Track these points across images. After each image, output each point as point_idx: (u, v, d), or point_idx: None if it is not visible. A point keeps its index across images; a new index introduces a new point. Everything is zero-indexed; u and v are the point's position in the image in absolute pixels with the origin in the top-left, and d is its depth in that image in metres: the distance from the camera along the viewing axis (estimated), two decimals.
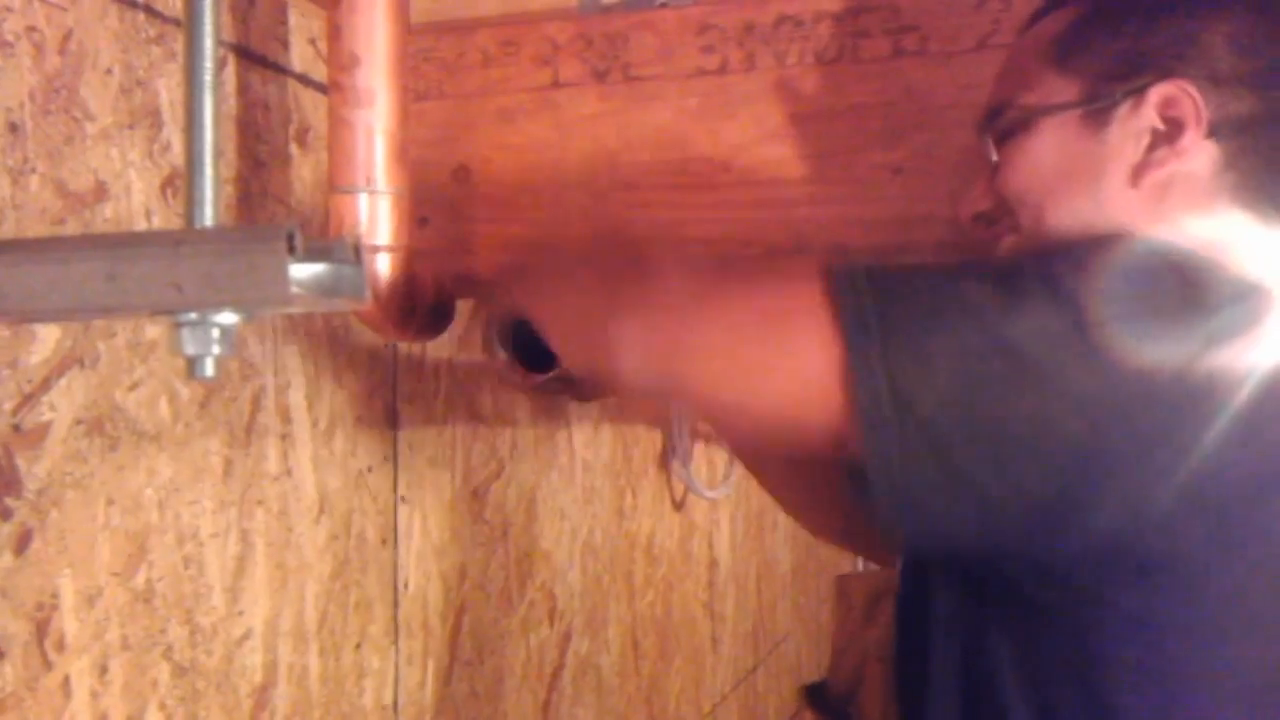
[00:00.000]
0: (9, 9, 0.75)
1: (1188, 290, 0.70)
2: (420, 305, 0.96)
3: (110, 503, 0.83)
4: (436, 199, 1.05)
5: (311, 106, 1.05)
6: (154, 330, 0.86)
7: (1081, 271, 0.70)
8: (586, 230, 1.02)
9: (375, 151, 0.90)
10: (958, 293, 0.71)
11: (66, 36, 0.80)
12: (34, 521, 0.77)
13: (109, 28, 0.84)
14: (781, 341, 0.73)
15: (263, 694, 0.99)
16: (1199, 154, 0.78)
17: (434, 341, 1.25)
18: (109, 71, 0.84)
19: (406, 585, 1.22)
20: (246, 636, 0.97)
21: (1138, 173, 0.80)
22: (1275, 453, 0.70)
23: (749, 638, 2.77)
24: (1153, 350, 0.67)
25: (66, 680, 0.79)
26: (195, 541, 0.91)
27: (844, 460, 1.11)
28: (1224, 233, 0.77)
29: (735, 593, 2.62)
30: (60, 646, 0.79)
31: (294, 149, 1.04)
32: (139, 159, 0.86)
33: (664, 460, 2.14)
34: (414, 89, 1.02)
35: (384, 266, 0.91)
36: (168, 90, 0.89)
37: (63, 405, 0.79)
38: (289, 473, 1.02)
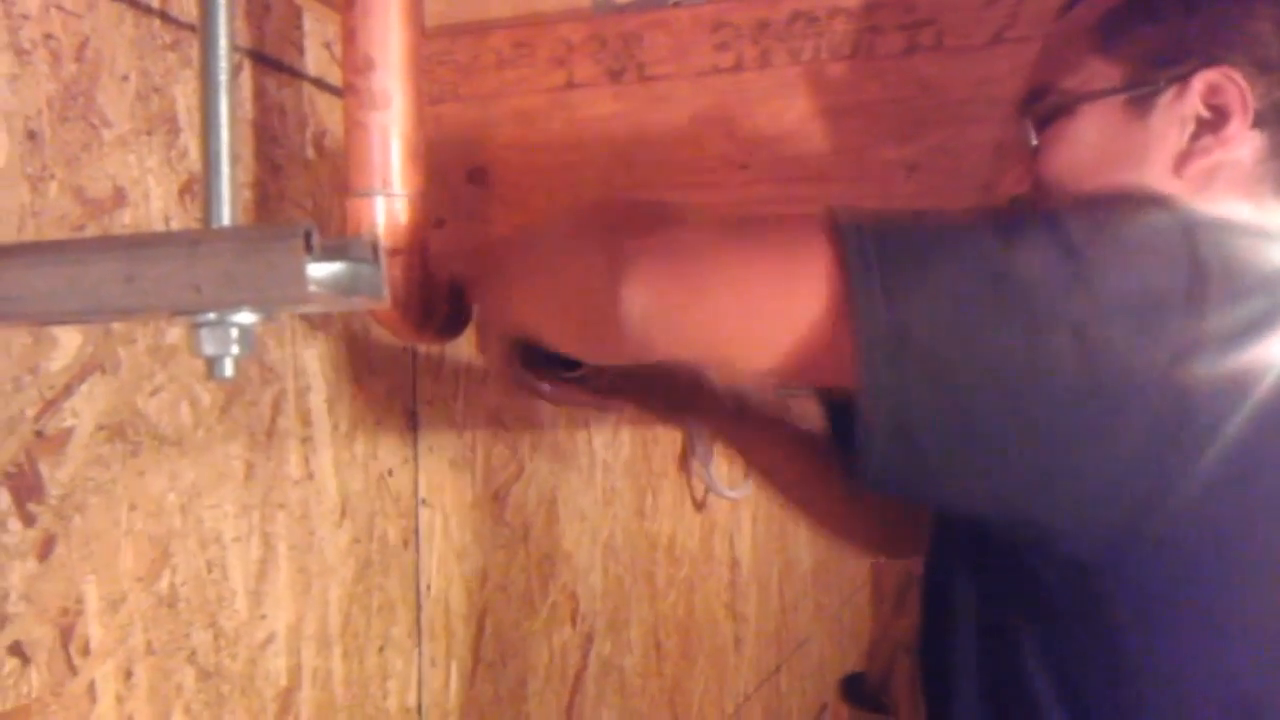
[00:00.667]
0: (25, 16, 0.76)
1: (1201, 269, 0.67)
2: (438, 308, 0.96)
3: (133, 508, 0.83)
4: (453, 201, 1.05)
5: (327, 110, 1.06)
6: (174, 335, 0.87)
7: (1090, 220, 0.69)
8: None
9: (391, 154, 0.90)
10: (959, 228, 0.71)
11: (83, 43, 0.80)
12: (57, 527, 0.77)
13: (125, 34, 0.84)
14: (788, 278, 0.71)
15: (287, 697, 0.99)
16: (1244, 143, 0.78)
17: (452, 344, 1.25)
18: (125, 78, 0.84)
19: (429, 588, 1.22)
20: (270, 640, 0.97)
21: (1182, 160, 0.79)
22: None
23: (772, 638, 2.76)
24: (1148, 320, 0.65)
25: (92, 685, 0.80)
26: (218, 546, 0.91)
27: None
28: (1264, 221, 0.76)
29: (757, 593, 2.61)
30: (85, 651, 0.79)
31: (310, 153, 1.04)
32: (157, 165, 0.86)
33: (684, 460, 2.14)
34: (429, 92, 1.03)
35: (401, 269, 0.91)
36: (184, 96, 0.89)
37: (85, 411, 0.79)
38: (310, 476, 1.03)
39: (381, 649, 1.13)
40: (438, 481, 1.25)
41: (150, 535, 0.85)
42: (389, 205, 0.90)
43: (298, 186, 1.02)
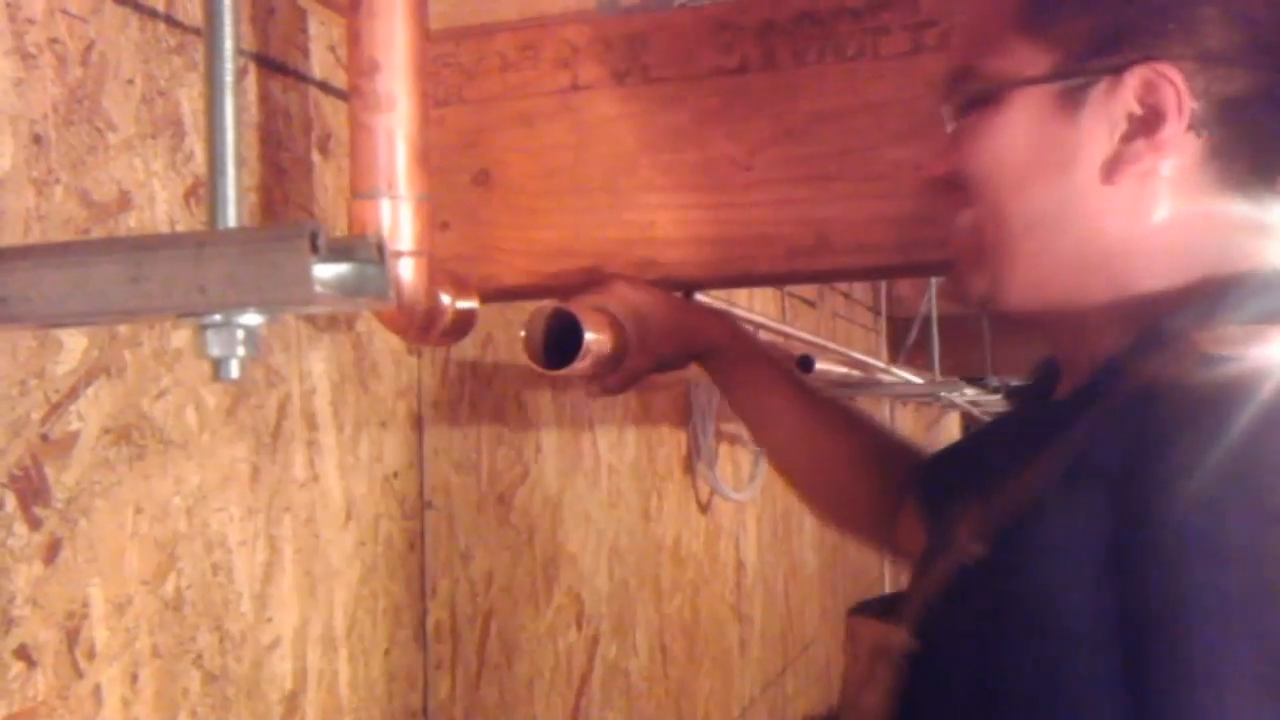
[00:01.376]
0: (31, 21, 0.76)
1: None
2: (443, 310, 0.97)
3: (138, 511, 0.83)
4: (458, 203, 1.05)
5: (332, 113, 1.06)
6: (179, 339, 0.87)
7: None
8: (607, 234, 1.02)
9: (396, 156, 0.90)
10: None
11: (88, 48, 0.81)
12: (63, 531, 0.77)
13: (130, 38, 0.84)
14: None
15: (293, 701, 0.99)
16: (1181, 147, 0.71)
17: (457, 346, 1.25)
18: (131, 82, 0.84)
19: (434, 590, 1.22)
20: (276, 643, 0.97)
21: (1111, 167, 0.72)
22: None
23: (777, 641, 2.76)
24: None
25: (98, 689, 0.80)
26: (223, 549, 0.91)
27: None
28: (1218, 227, 0.71)
29: (763, 595, 2.61)
30: (91, 655, 0.79)
31: (316, 156, 1.04)
32: (162, 169, 0.86)
33: (689, 462, 2.14)
34: (434, 94, 1.03)
35: (406, 271, 0.91)
36: (189, 100, 0.89)
37: (90, 414, 0.79)
38: (316, 479, 1.03)
39: (387, 652, 1.13)
40: (443, 484, 1.25)
41: (156, 538, 0.85)
42: (394, 207, 0.90)
43: (303, 190, 1.02)
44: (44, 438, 0.76)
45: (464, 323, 1.00)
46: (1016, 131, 0.74)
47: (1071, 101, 0.73)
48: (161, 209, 0.86)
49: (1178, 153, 0.71)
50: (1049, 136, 0.74)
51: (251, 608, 0.94)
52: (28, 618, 0.74)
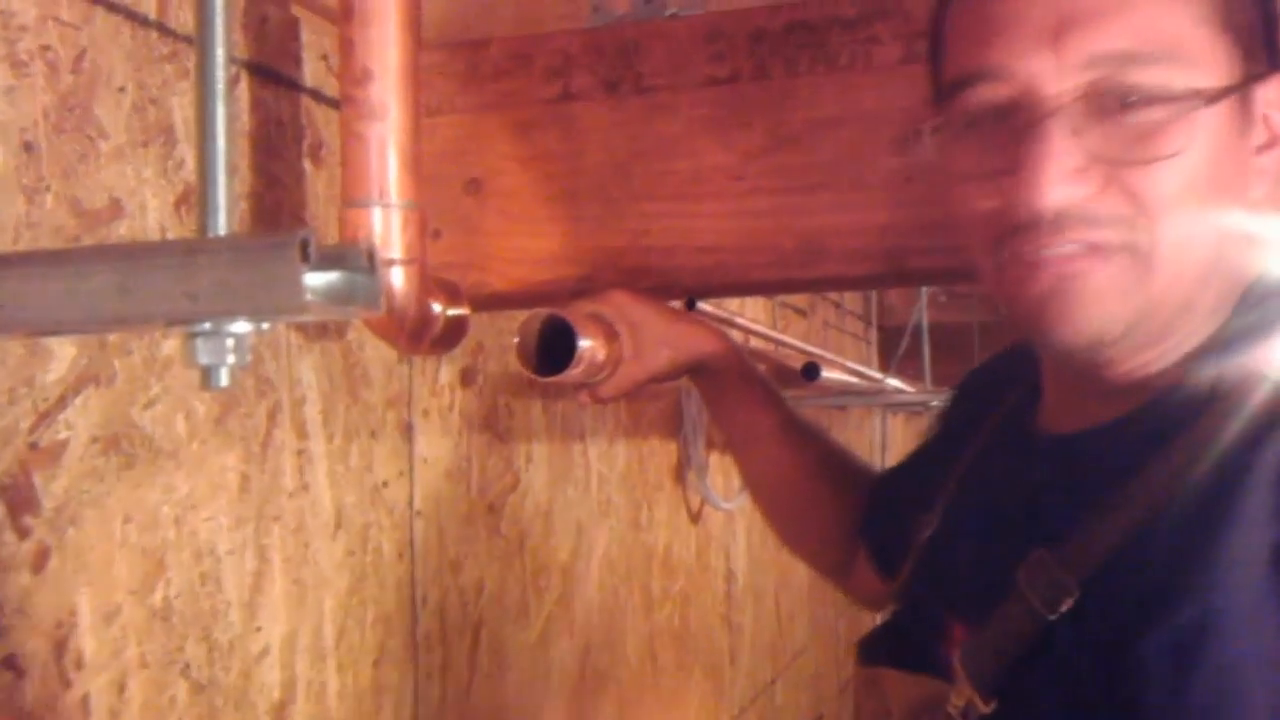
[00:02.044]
0: (23, 28, 0.76)
1: None
2: (434, 319, 0.96)
3: (127, 520, 0.83)
4: (449, 212, 1.05)
5: (324, 122, 1.06)
6: (169, 347, 0.86)
7: None
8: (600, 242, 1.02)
9: (388, 165, 0.90)
10: None
11: (80, 55, 0.80)
12: (51, 540, 0.77)
13: (122, 46, 0.84)
14: None
15: (281, 711, 0.98)
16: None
17: (448, 354, 1.24)
18: (122, 89, 0.84)
19: (424, 600, 1.21)
20: (264, 653, 0.96)
21: (1249, 181, 0.67)
22: None
23: (767, 650, 2.76)
24: None
25: (85, 699, 0.79)
26: (212, 558, 0.91)
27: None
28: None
29: (753, 605, 2.61)
30: (79, 664, 0.79)
31: (307, 164, 1.04)
32: (153, 177, 0.86)
33: (680, 472, 2.14)
34: (426, 103, 1.03)
35: (398, 280, 0.91)
36: (181, 108, 0.89)
37: (79, 423, 0.79)
38: (305, 488, 1.02)
39: (376, 662, 1.12)
40: (433, 493, 1.24)
41: (144, 548, 0.84)
42: (385, 216, 0.90)
43: (295, 198, 1.02)
44: (33, 446, 0.76)
45: (455, 331, 1.00)
46: (1211, 142, 0.64)
47: (1243, 107, 0.66)
48: (152, 217, 0.86)
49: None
50: (1232, 149, 0.66)
51: (240, 617, 0.94)
52: (15, 627, 0.74)
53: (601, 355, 0.96)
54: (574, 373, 0.94)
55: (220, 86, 0.65)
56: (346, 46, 0.90)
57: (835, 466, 1.11)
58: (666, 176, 1.00)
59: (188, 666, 0.88)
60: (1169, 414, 0.67)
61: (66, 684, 0.78)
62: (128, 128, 0.84)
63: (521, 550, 1.45)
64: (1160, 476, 0.64)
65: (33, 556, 0.75)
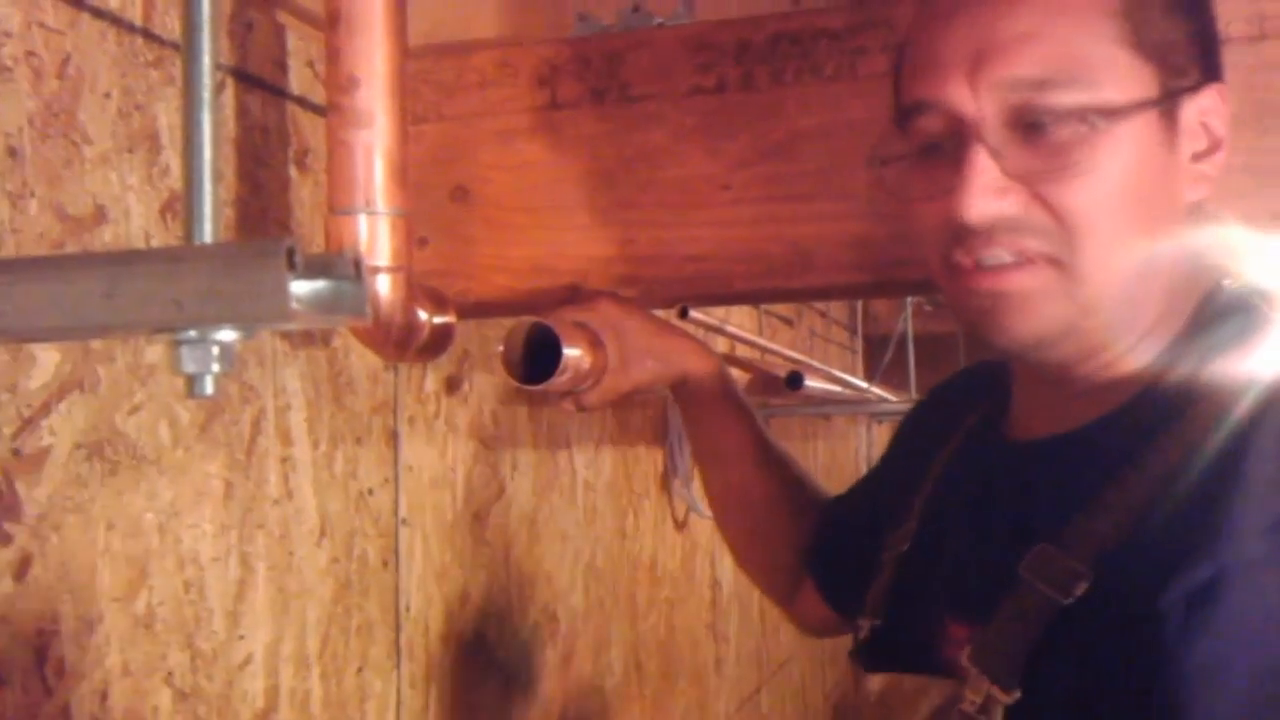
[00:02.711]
0: (8, 34, 0.76)
1: None
2: (420, 326, 0.96)
3: (110, 527, 0.83)
4: (435, 220, 1.05)
5: (310, 129, 1.05)
6: (153, 354, 0.86)
7: None
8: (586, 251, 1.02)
9: (374, 172, 0.90)
10: None
11: (65, 61, 0.80)
12: (34, 547, 0.76)
13: (107, 52, 0.84)
14: None
15: (264, 719, 0.98)
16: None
17: (434, 362, 1.24)
18: (107, 95, 0.84)
19: (408, 608, 1.21)
20: (248, 661, 0.96)
21: (1181, 189, 0.71)
22: None
23: (752, 659, 2.76)
24: None
25: (67, 707, 0.79)
26: (196, 566, 0.91)
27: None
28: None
29: (738, 613, 2.61)
30: (60, 673, 0.78)
31: (293, 171, 1.04)
32: (138, 183, 0.86)
33: (665, 480, 2.14)
34: (412, 111, 1.03)
35: (384, 287, 0.91)
36: (166, 114, 0.89)
37: (63, 429, 0.79)
38: (290, 495, 1.02)
39: (360, 670, 1.12)
40: (418, 501, 1.24)
41: (128, 555, 0.84)
42: (371, 223, 0.90)
43: (280, 205, 1.02)
44: (15, 453, 0.75)
45: (441, 339, 1.00)
46: (1129, 156, 0.69)
47: (1169, 120, 0.70)
48: (137, 223, 0.86)
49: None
50: (1155, 159, 0.70)
51: (223, 625, 0.93)
52: None
53: (586, 364, 0.97)
54: (559, 381, 0.94)
55: (206, 93, 0.65)
56: (333, 54, 0.90)
57: (796, 495, 1.13)
58: (653, 186, 1.01)
59: (171, 674, 0.88)
60: (1152, 411, 0.71)
61: (48, 692, 0.77)
62: (113, 134, 0.84)
63: (507, 558, 1.45)
64: (1156, 465, 0.69)
65: (15, 564, 0.75)
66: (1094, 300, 0.71)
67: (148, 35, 0.87)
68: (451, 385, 1.32)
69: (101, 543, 0.82)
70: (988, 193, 0.69)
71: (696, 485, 2.19)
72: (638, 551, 1.97)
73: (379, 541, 1.16)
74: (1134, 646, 0.65)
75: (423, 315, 0.96)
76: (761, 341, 2.36)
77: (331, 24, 0.89)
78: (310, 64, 1.06)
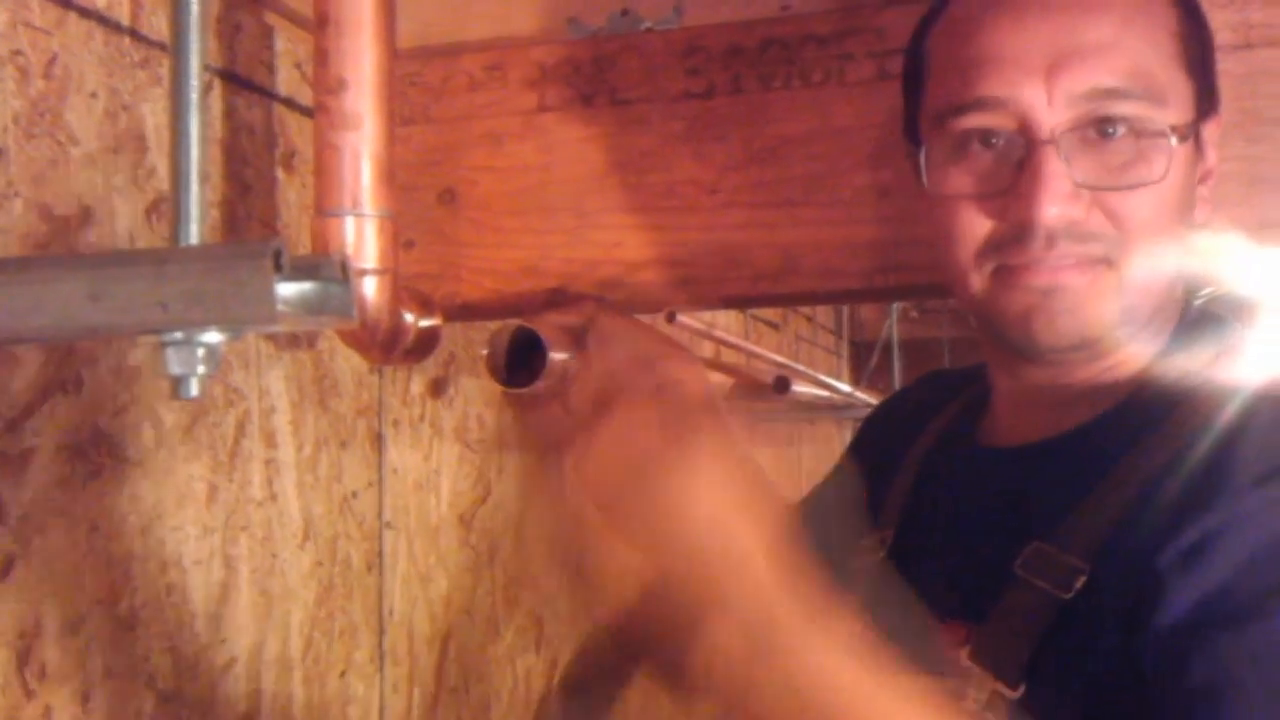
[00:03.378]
0: None
1: None
2: (406, 329, 0.96)
3: (93, 529, 0.82)
4: (423, 222, 1.05)
5: (297, 130, 1.05)
6: (138, 356, 0.86)
7: None
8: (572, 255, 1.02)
9: (361, 174, 0.89)
10: None
11: (51, 61, 0.80)
12: (16, 548, 0.76)
13: (94, 52, 0.83)
14: None
15: None
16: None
17: (420, 364, 1.24)
18: (94, 95, 0.83)
19: (392, 612, 1.21)
20: (230, 664, 0.96)
21: (1194, 209, 0.75)
22: None
23: None
24: None
25: (48, 710, 0.78)
26: (179, 568, 0.90)
27: None
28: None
29: None
30: (42, 675, 0.78)
31: (280, 173, 1.03)
32: (124, 183, 0.86)
33: None
34: (400, 113, 1.02)
35: (370, 289, 0.91)
36: (153, 115, 0.88)
37: (46, 431, 0.78)
38: (274, 498, 1.01)
39: (343, 674, 1.12)
40: (402, 504, 1.24)
41: (110, 557, 0.84)
42: (359, 225, 0.89)
43: (267, 206, 1.02)
44: None
45: (427, 341, 1.00)
46: (1181, 171, 0.72)
47: (1196, 141, 0.74)
48: (122, 224, 0.85)
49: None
50: (1189, 177, 0.73)
51: (206, 628, 0.93)
52: None
53: (572, 368, 0.96)
54: (544, 385, 0.94)
55: (194, 94, 0.64)
56: (321, 56, 0.89)
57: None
58: (641, 189, 1.01)
59: (153, 677, 0.87)
60: (1144, 413, 0.73)
61: (29, 694, 0.77)
62: (99, 134, 0.84)
63: (492, 562, 1.45)
64: (1148, 462, 0.70)
65: None
66: (1135, 306, 0.73)
67: (135, 35, 0.87)
68: (437, 388, 1.31)
69: (85, 544, 0.81)
70: (1060, 197, 0.70)
71: None
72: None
73: (363, 545, 1.16)
74: (1134, 615, 0.66)
75: (409, 318, 0.96)
76: (748, 346, 2.36)
77: (320, 26, 0.89)
78: (298, 65, 1.06)
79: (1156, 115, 0.70)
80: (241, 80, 0.99)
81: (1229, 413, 0.69)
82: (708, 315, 2.19)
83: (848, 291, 0.98)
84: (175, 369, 0.50)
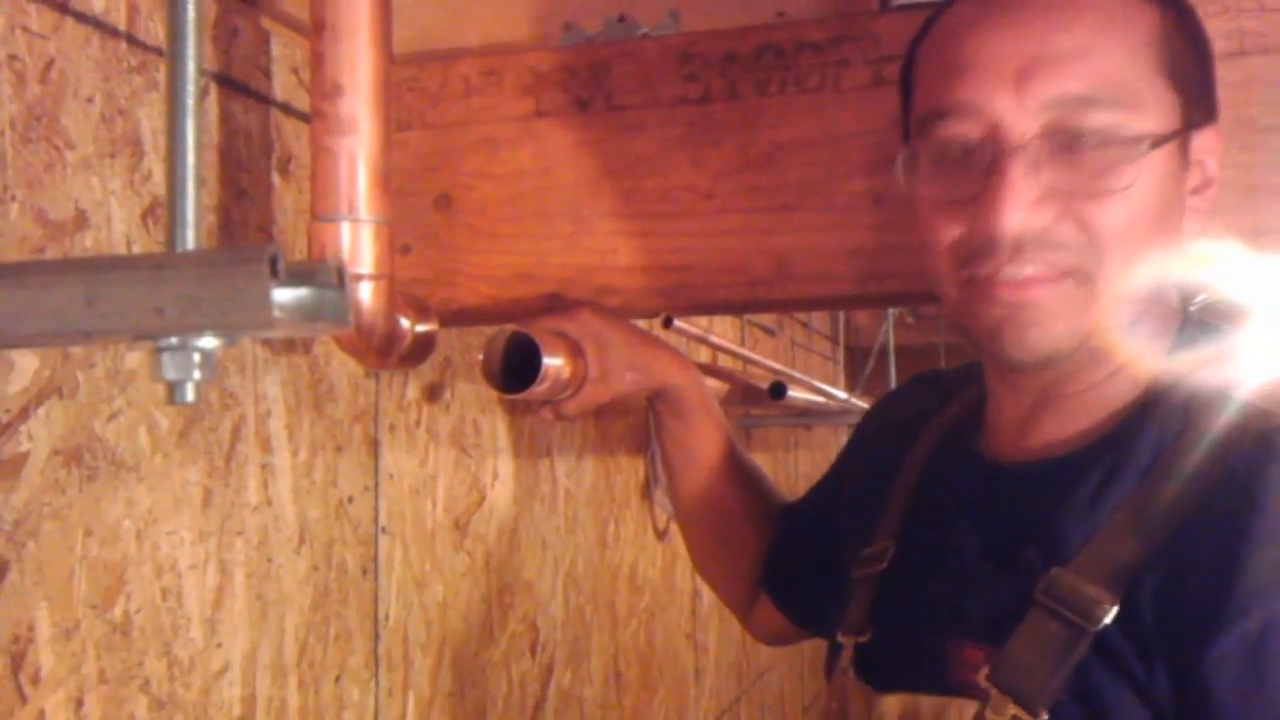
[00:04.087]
0: None
1: None
2: (402, 334, 0.96)
3: (88, 534, 0.82)
4: (419, 227, 1.05)
5: (293, 135, 1.05)
6: (133, 360, 0.86)
7: None
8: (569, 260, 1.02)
9: (358, 179, 0.89)
10: None
11: (48, 65, 0.80)
12: (10, 553, 0.76)
13: (91, 56, 0.83)
14: None
15: None
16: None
17: (415, 369, 1.24)
18: (90, 100, 0.83)
19: (387, 617, 1.21)
20: (225, 669, 0.95)
21: (1183, 221, 0.74)
22: None
23: (732, 669, 2.76)
24: None
25: (42, 715, 0.78)
26: (174, 573, 0.90)
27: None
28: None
29: (718, 623, 2.61)
30: (36, 680, 0.78)
31: (276, 178, 1.03)
32: (120, 188, 0.86)
33: (646, 489, 2.14)
34: (396, 118, 1.03)
35: (366, 294, 0.91)
36: (149, 119, 0.88)
37: (41, 435, 0.78)
38: (269, 503, 1.01)
39: (338, 679, 1.11)
40: (398, 509, 1.24)
41: (105, 562, 0.83)
42: (355, 230, 0.89)
43: (263, 212, 1.02)
44: None
45: (423, 346, 1.00)
46: (1156, 181, 0.70)
47: (1182, 151, 0.72)
48: (118, 229, 0.85)
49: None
50: (1171, 187, 0.72)
51: (201, 633, 0.93)
52: None
53: (566, 374, 0.97)
54: (538, 390, 0.94)
55: (190, 99, 0.64)
56: (317, 61, 0.89)
57: (764, 510, 1.13)
58: (636, 195, 1.01)
59: (147, 682, 0.87)
60: (1150, 432, 0.72)
61: (23, 699, 0.77)
62: (95, 138, 0.84)
63: (487, 568, 1.45)
64: (1164, 489, 0.69)
65: None
66: (1107, 317, 0.72)
67: (131, 40, 0.87)
68: (433, 393, 1.31)
69: (79, 549, 0.81)
70: (1023, 206, 0.69)
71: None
72: (618, 561, 1.96)
73: (358, 550, 1.15)
74: (1184, 687, 0.65)
75: (405, 323, 0.96)
76: (744, 352, 2.37)
77: (316, 30, 0.89)
78: (295, 70, 1.06)
79: (1129, 123, 0.69)
80: (238, 85, 0.99)
81: (1241, 434, 0.68)
82: (704, 321, 2.20)
83: (842, 297, 0.98)
84: (171, 374, 0.50)
